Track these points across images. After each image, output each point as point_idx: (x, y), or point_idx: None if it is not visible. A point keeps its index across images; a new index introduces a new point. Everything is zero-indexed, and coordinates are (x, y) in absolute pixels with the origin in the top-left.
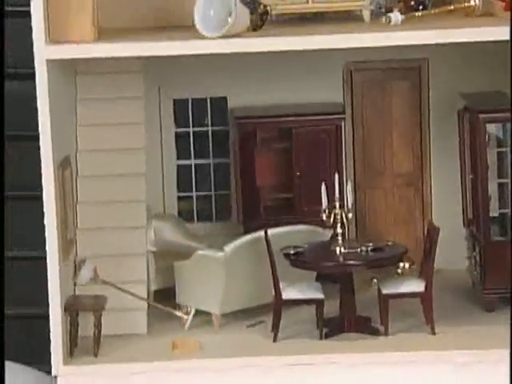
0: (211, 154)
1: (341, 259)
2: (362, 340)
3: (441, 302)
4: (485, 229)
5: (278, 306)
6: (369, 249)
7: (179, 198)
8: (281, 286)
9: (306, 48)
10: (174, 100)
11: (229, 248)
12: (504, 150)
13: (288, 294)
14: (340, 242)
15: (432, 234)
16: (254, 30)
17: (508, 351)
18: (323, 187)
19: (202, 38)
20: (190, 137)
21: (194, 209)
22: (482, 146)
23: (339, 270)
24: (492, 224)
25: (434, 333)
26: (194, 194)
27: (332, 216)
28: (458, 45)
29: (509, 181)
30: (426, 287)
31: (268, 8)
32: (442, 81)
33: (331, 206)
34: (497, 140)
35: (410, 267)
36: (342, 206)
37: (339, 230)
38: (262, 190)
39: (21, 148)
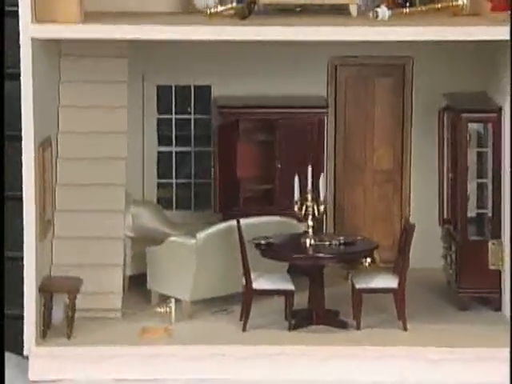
0: (193, 142)
1: (310, 251)
2: (334, 333)
3: (415, 299)
4: (462, 228)
5: (249, 296)
6: (340, 242)
7: (159, 185)
8: (252, 276)
9: (292, 38)
10: (158, 86)
11: (201, 235)
12: (484, 150)
13: (259, 284)
14: (310, 234)
15: (408, 231)
16: (242, 19)
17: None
18: (296, 179)
19: (188, 23)
20: (172, 124)
21: (173, 196)
22: (463, 145)
23: (309, 262)
24: (469, 224)
25: (405, 329)
26: (174, 181)
27: (304, 208)
28: (443, 45)
29: (488, 181)
30: (400, 283)
31: None
32: (426, 80)
33: (303, 199)
34: (477, 140)
35: (370, 264)
36: (314, 199)
37: (310, 223)
38: (243, 181)
39: (18, 149)
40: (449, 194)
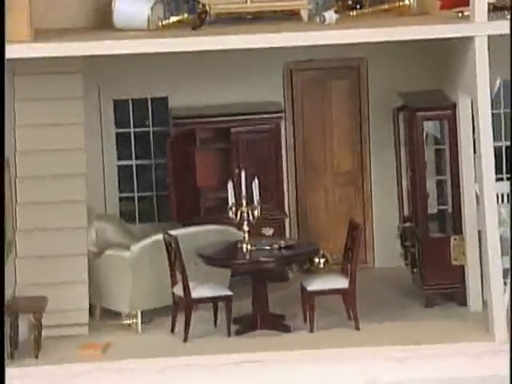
0: (153, 155)
1: (250, 257)
2: (288, 337)
3: (381, 298)
4: (423, 225)
5: (189, 305)
6: (280, 246)
7: (121, 199)
8: (190, 286)
9: (245, 47)
10: (115, 100)
11: (135, 247)
12: (442, 147)
13: (197, 292)
14: (247, 239)
15: (353, 231)
16: (194, 29)
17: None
18: (229, 185)
19: (136, 37)
20: (131, 137)
21: (136, 209)
22: (420, 143)
23: (251, 268)
24: (431, 220)
25: (358, 328)
26: (136, 194)
27: (239, 213)
28: (396, 44)
29: (447, 177)
30: (350, 283)
31: (207, 7)
32: (381, 80)
33: (238, 204)
34: (434, 138)
35: (325, 264)
36: (248, 204)
37: (246, 228)
38: (203, 190)
39: None
40: (409, 192)
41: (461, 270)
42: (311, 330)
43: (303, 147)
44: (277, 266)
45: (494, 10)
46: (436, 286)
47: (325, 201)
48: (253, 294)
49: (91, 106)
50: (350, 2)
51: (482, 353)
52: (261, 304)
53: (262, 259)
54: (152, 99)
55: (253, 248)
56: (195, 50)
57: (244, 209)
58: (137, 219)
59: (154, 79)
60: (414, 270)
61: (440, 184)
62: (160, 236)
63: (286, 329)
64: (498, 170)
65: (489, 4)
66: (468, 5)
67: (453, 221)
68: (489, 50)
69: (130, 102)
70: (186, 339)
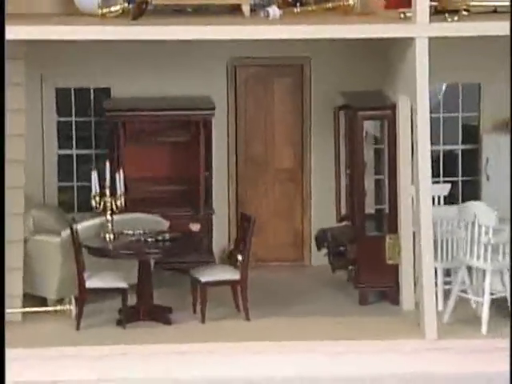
0: (93, 145)
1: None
2: (185, 329)
3: (315, 294)
4: (360, 224)
5: (82, 295)
6: (165, 238)
7: (60, 188)
8: (85, 275)
9: (187, 38)
10: (57, 89)
11: (65, 233)
12: (381, 146)
13: (92, 283)
14: (110, 228)
15: (245, 224)
16: (134, 19)
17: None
18: (93, 174)
19: (81, 24)
20: (72, 126)
21: (75, 199)
22: (359, 142)
23: (136, 258)
24: (368, 220)
25: (248, 319)
26: (75, 184)
27: (102, 203)
28: (340, 44)
29: (385, 177)
30: (241, 275)
31: None
32: (324, 79)
33: (102, 193)
34: (374, 137)
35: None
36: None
37: (109, 217)
38: (133, 183)
39: None
40: (347, 191)
41: (395, 269)
42: (203, 321)
43: (245, 143)
44: (163, 258)
45: (436, 12)
46: (370, 284)
47: (265, 196)
48: (137, 285)
49: (33, 93)
50: None
51: (412, 350)
52: (145, 295)
53: (149, 251)
54: (95, 89)
55: (143, 239)
56: (134, 40)
57: (108, 198)
58: (75, 209)
59: (97, 69)
60: (350, 267)
61: (378, 183)
62: (90, 222)
63: (168, 321)
64: (436, 173)
65: (431, 7)
66: (411, 6)
67: (389, 220)
68: (434, 54)
69: (73, 91)
70: (78, 327)
